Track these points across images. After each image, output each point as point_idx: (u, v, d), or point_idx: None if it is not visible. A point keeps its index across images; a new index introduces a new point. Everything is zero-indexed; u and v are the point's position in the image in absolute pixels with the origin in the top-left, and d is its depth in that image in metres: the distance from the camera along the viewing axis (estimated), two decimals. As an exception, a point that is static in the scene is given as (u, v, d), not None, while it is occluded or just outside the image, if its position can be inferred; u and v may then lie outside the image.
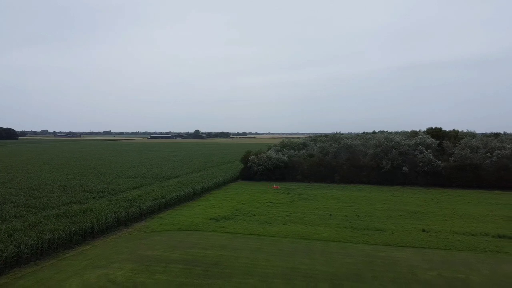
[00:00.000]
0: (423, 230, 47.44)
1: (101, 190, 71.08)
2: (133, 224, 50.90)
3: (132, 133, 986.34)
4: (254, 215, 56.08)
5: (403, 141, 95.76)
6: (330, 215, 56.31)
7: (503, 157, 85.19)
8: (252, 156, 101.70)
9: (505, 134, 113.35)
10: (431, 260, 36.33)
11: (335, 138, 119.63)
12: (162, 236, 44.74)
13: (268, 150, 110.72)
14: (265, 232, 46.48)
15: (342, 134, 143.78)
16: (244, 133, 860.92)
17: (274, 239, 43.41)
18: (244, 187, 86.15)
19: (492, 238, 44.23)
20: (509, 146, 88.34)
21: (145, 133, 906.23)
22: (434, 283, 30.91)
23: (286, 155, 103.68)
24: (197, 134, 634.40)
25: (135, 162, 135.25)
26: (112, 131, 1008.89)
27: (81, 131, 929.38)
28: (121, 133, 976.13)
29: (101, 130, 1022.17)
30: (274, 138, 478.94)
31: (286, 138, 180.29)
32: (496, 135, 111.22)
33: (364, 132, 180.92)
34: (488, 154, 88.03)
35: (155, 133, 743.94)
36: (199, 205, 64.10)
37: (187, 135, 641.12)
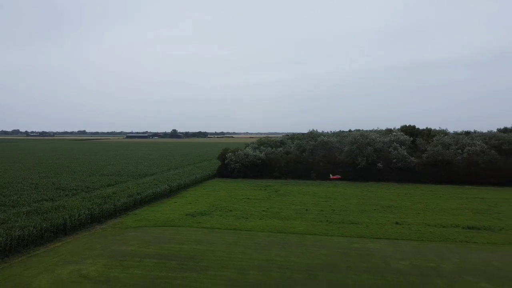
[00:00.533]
0: (397, 223, 48.49)
1: (74, 187, 69.39)
2: (107, 221, 49.91)
3: (107, 133, 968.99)
4: (230, 210, 55.97)
5: (378, 138, 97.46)
6: (306, 210, 56.77)
7: (473, 154, 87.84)
8: (230, 153, 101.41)
9: (475, 132, 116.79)
10: (403, 251, 37.16)
11: (312, 135, 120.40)
12: (137, 232, 44.09)
13: (245, 147, 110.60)
14: (241, 226, 46.48)
15: (319, 132, 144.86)
16: (222, 133, 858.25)
17: (250, 233, 43.45)
18: (221, 184, 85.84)
19: (462, 229, 45.62)
20: (479, 143, 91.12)
21: (121, 133, 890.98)
22: (406, 271, 31.62)
23: (263, 152, 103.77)
24: (174, 134, 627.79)
25: (110, 161, 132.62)
26: (86, 130, 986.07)
27: (55, 130, 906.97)
28: (96, 133, 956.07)
29: (75, 130, 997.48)
30: (252, 137, 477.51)
31: (264, 137, 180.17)
32: (467, 133, 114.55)
33: (340, 130, 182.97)
34: (459, 151, 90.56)
35: (131, 132, 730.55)
36: (175, 202, 63.47)
37: (164, 135, 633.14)
